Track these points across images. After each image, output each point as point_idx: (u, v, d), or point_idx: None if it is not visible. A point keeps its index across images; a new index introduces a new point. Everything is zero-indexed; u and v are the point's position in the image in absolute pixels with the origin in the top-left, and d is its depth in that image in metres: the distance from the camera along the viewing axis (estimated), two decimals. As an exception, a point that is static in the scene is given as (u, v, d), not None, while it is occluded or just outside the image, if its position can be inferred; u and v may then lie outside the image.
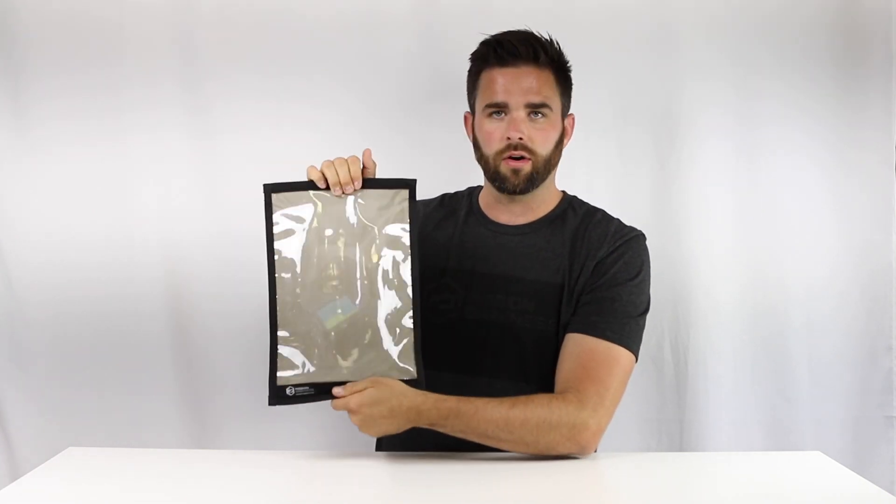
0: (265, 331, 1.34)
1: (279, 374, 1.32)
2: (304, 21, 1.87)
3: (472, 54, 1.50)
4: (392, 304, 1.33)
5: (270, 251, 1.33)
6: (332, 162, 1.33)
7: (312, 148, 1.79)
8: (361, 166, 1.34)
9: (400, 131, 1.89)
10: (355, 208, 1.34)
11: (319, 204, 1.34)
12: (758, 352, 1.92)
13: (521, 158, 1.44)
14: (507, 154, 1.44)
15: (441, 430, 1.29)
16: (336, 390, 1.29)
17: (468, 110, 1.55)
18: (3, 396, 1.96)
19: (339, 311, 1.33)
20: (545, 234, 1.50)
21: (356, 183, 1.32)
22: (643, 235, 1.49)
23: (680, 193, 1.90)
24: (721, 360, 1.91)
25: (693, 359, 1.91)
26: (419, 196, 1.36)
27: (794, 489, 1.22)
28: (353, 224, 1.33)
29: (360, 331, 1.32)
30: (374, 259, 1.33)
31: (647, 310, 1.45)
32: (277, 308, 1.33)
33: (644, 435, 1.93)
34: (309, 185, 1.33)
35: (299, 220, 1.33)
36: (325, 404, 1.31)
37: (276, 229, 1.33)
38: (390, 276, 1.33)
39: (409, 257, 1.34)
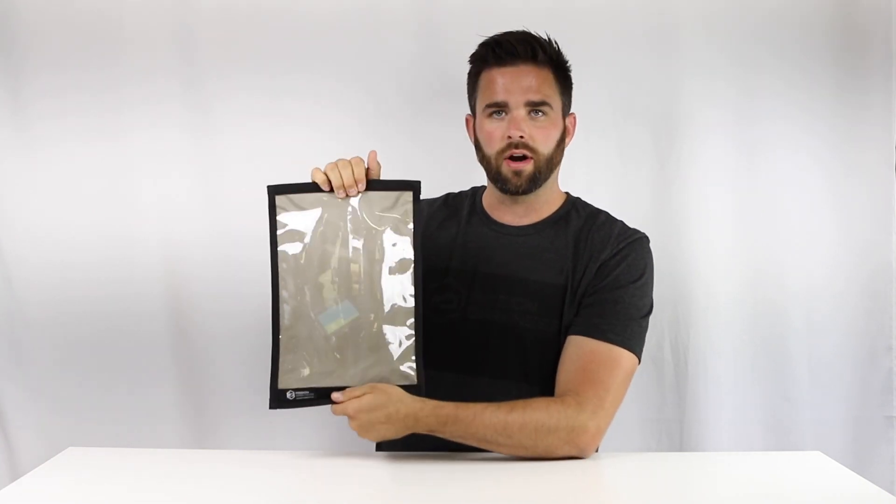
0: (265, 331, 1.34)
1: (280, 377, 1.32)
2: (305, 18, 1.87)
3: (471, 56, 1.50)
4: (394, 308, 1.32)
5: (274, 253, 1.33)
6: (336, 164, 1.33)
7: (313, 146, 1.82)
8: (366, 168, 1.34)
9: (403, 129, 1.89)
10: (359, 211, 1.33)
11: (323, 206, 1.33)
12: (758, 352, 1.92)
13: (522, 158, 1.44)
14: (508, 153, 1.44)
15: (439, 435, 1.29)
16: (335, 395, 1.29)
17: (469, 113, 1.55)
18: (3, 396, 1.96)
19: (341, 315, 1.32)
20: (548, 235, 1.49)
21: (360, 185, 1.32)
22: (647, 238, 1.48)
23: (680, 193, 1.90)
24: (721, 360, 1.91)
25: (693, 359, 1.91)
26: (423, 195, 1.36)
27: (794, 489, 1.22)
28: (357, 227, 1.33)
29: (360, 336, 1.32)
30: (377, 263, 1.33)
31: (649, 312, 1.45)
32: (280, 311, 1.33)
33: (644, 435, 1.93)
34: (313, 188, 1.33)
35: (303, 222, 1.33)
36: (326, 406, 1.31)
37: (279, 231, 1.33)
38: (393, 281, 1.33)
39: (413, 262, 1.33)
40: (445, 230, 1.55)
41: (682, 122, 1.89)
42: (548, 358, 1.42)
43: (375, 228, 1.33)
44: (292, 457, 1.36)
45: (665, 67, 1.88)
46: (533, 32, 1.47)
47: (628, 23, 1.87)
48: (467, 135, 1.56)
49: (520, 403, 1.29)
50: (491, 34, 1.48)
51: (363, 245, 1.33)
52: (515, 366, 1.44)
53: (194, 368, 1.94)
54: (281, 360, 1.32)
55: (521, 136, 1.42)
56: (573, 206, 1.53)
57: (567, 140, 1.51)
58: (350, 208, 1.33)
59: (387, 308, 1.32)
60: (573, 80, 1.52)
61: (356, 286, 1.32)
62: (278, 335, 1.33)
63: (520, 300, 1.45)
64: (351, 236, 1.33)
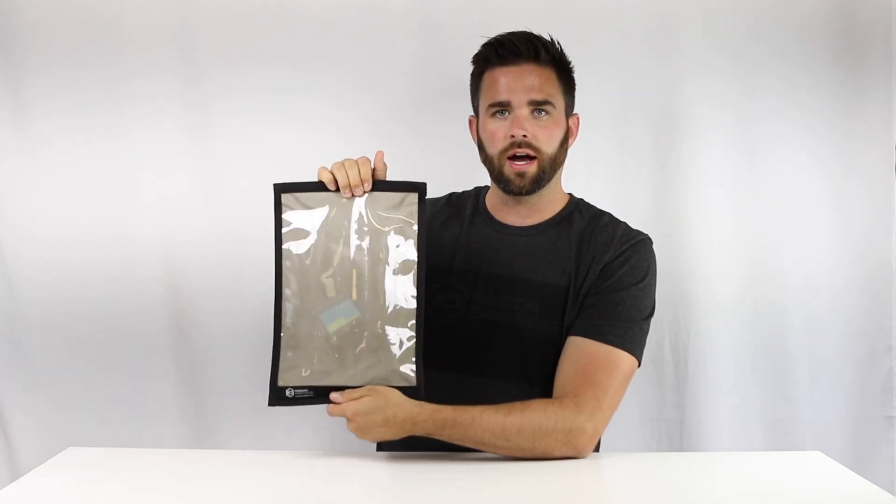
0: (266, 330, 1.34)
1: (280, 375, 1.32)
2: (305, 17, 1.88)
3: (474, 56, 1.50)
4: (396, 310, 1.32)
5: (278, 251, 1.33)
6: (343, 163, 1.32)
7: (313, 144, 1.82)
8: (372, 168, 1.34)
9: (404, 128, 1.89)
10: (364, 211, 1.33)
11: (329, 205, 1.33)
12: (758, 352, 1.92)
13: (525, 158, 1.44)
14: (511, 153, 1.43)
15: (437, 437, 1.29)
16: (333, 396, 1.29)
17: (472, 114, 1.55)
18: (3, 396, 1.96)
19: (342, 315, 1.32)
20: (551, 235, 1.49)
21: (366, 185, 1.32)
22: (650, 239, 1.48)
23: (680, 193, 1.90)
24: (721, 360, 1.91)
25: (693, 359, 1.91)
26: (428, 195, 1.36)
27: (794, 489, 1.22)
28: (362, 227, 1.33)
29: (361, 336, 1.32)
30: (381, 263, 1.32)
31: (651, 314, 1.45)
32: (282, 309, 1.33)
33: (644, 435, 1.93)
34: (319, 186, 1.32)
35: (308, 221, 1.33)
36: (326, 406, 1.31)
37: (284, 229, 1.33)
38: (396, 282, 1.32)
39: (416, 264, 1.33)
40: (448, 230, 1.55)
41: (682, 122, 1.89)
42: (549, 359, 1.41)
43: (380, 229, 1.33)
44: (292, 457, 1.36)
45: (665, 67, 1.88)
46: (536, 33, 1.47)
47: (628, 22, 1.87)
48: (470, 136, 1.56)
49: (518, 406, 1.30)
50: (492, 35, 1.48)
51: (367, 245, 1.33)
52: (517, 366, 1.44)
53: (195, 368, 1.94)
54: (281, 357, 1.32)
55: (524, 136, 1.42)
56: (576, 208, 1.53)
57: (570, 140, 1.51)
58: (355, 208, 1.33)
59: (389, 309, 1.32)
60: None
61: (359, 286, 1.32)
62: (279, 333, 1.33)
63: (522, 301, 1.45)
64: (355, 236, 1.33)
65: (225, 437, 1.94)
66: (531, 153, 1.43)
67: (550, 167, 1.46)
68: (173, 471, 1.31)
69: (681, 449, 1.92)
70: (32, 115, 1.90)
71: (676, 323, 1.91)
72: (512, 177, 1.44)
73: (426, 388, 1.31)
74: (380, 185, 1.34)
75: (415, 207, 1.33)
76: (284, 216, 1.33)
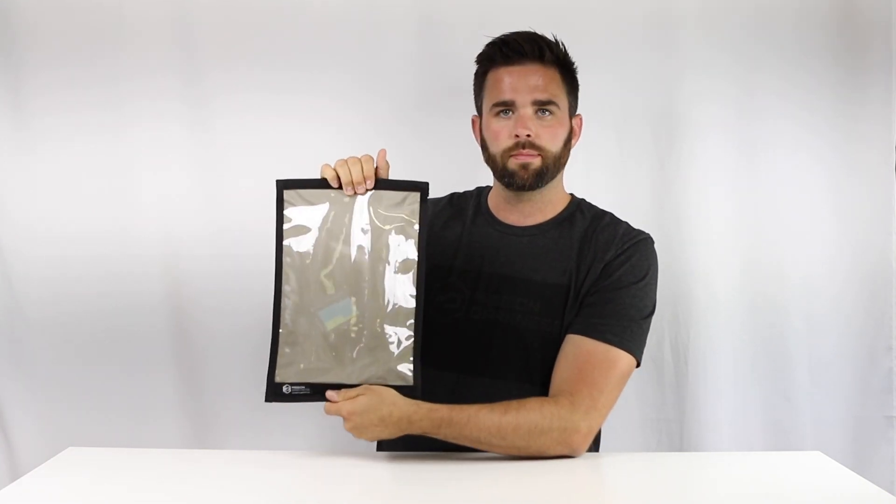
0: (265, 328, 1.34)
1: (278, 371, 1.32)
2: (305, 14, 1.88)
3: (478, 56, 1.50)
4: (395, 308, 1.32)
5: (279, 248, 1.33)
6: (346, 161, 1.33)
7: (313, 142, 1.83)
8: (375, 166, 1.34)
9: (408, 125, 1.89)
10: (366, 209, 1.33)
11: (330, 203, 1.33)
12: (758, 352, 1.92)
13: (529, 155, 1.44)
14: (515, 152, 1.44)
15: (433, 436, 1.29)
16: (329, 394, 1.29)
17: (475, 114, 1.55)
18: (3, 396, 1.96)
19: (341, 313, 1.32)
20: (553, 235, 1.49)
21: (368, 182, 1.32)
22: (651, 239, 1.48)
23: (680, 192, 1.90)
24: (721, 360, 1.91)
25: (693, 359, 1.91)
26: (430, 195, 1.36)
27: (794, 489, 1.22)
28: (363, 225, 1.33)
29: (359, 334, 1.32)
30: (381, 262, 1.32)
31: (651, 313, 1.44)
32: (281, 306, 1.33)
33: (644, 435, 1.93)
34: (321, 184, 1.33)
35: (310, 218, 1.33)
36: (324, 405, 1.31)
37: (285, 226, 1.33)
38: (395, 281, 1.32)
39: (416, 263, 1.33)
40: (450, 230, 1.55)
41: (682, 122, 1.89)
42: (550, 358, 1.41)
43: (381, 227, 1.33)
44: (292, 457, 1.36)
45: (665, 66, 1.88)
46: (539, 33, 1.47)
47: (628, 22, 1.87)
48: (473, 136, 1.56)
49: (514, 404, 1.30)
50: (496, 34, 1.48)
51: (368, 243, 1.33)
52: (517, 366, 1.44)
53: (195, 365, 1.94)
54: (279, 353, 1.32)
55: (529, 135, 1.42)
56: (578, 208, 1.53)
57: (573, 141, 1.51)
58: (357, 206, 1.33)
59: (388, 308, 1.32)
60: (575, 80, 1.52)
61: (359, 284, 1.32)
62: (278, 329, 1.33)
63: (523, 300, 1.45)
64: (356, 234, 1.33)
65: (225, 434, 1.94)
66: (535, 152, 1.43)
67: (554, 165, 1.46)
68: (173, 471, 1.31)
69: (681, 449, 1.91)
70: (32, 112, 1.90)
71: (676, 323, 1.91)
72: (516, 169, 1.44)
73: (423, 388, 1.31)
74: (382, 183, 1.34)
75: (416, 207, 1.33)
76: (286, 213, 1.33)
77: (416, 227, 1.33)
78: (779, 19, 1.86)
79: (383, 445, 1.50)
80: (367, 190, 1.32)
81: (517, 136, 1.43)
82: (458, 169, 1.76)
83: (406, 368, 1.31)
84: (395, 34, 1.89)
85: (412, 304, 1.32)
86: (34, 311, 1.93)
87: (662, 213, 1.90)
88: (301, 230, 1.33)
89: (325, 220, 1.33)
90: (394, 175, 1.36)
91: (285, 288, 1.33)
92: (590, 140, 1.82)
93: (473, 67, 1.51)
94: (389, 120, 1.89)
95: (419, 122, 1.90)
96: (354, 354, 1.32)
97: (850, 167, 1.89)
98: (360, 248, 1.33)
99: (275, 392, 1.32)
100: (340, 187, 1.32)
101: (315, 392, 1.31)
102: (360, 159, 1.33)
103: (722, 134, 1.89)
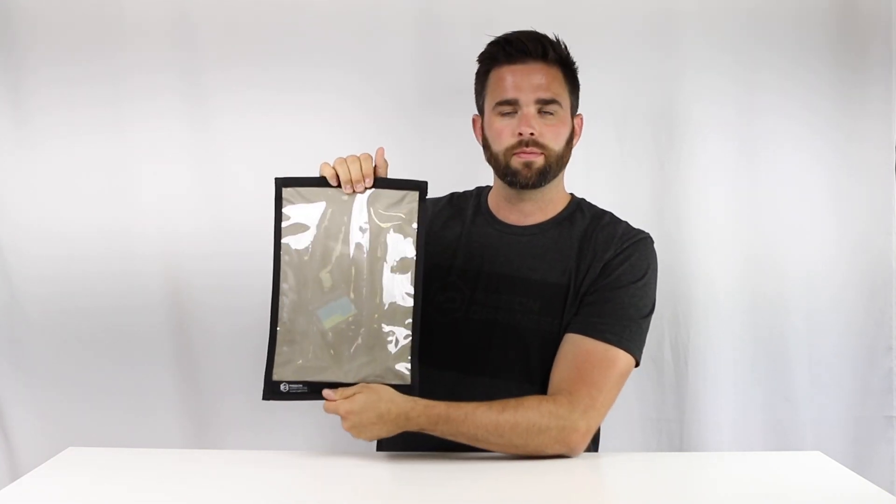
0: (265, 327, 1.34)
1: (275, 369, 1.32)
2: (306, 11, 1.88)
3: (480, 55, 1.49)
4: (392, 307, 1.32)
5: (277, 246, 1.33)
6: (345, 159, 1.33)
7: (313, 139, 1.82)
8: (374, 164, 1.34)
9: (408, 123, 1.89)
10: (365, 207, 1.33)
11: (329, 201, 1.33)
12: (758, 352, 1.92)
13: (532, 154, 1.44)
14: (517, 151, 1.44)
15: (431, 433, 1.29)
16: (326, 393, 1.29)
17: (476, 113, 1.55)
18: (3, 396, 1.96)
19: (339, 311, 1.32)
20: (553, 235, 1.49)
21: (367, 181, 1.32)
22: (650, 238, 1.48)
23: (680, 191, 1.90)
24: (721, 360, 1.91)
25: (693, 359, 1.91)
26: (429, 194, 1.36)
27: (794, 489, 1.22)
28: (361, 223, 1.33)
29: (357, 332, 1.32)
30: (379, 261, 1.32)
31: (651, 312, 1.44)
32: (279, 304, 1.33)
33: (644, 435, 1.93)
34: (320, 182, 1.33)
35: (308, 216, 1.33)
36: (322, 404, 1.31)
37: (284, 224, 1.33)
38: (393, 280, 1.32)
39: (414, 262, 1.33)
40: (450, 229, 1.55)
41: (682, 121, 1.89)
42: (550, 358, 1.41)
43: (380, 226, 1.33)
44: (292, 457, 1.36)
45: (666, 65, 1.88)
46: (541, 32, 1.47)
47: (629, 21, 1.87)
48: (474, 135, 1.56)
49: (512, 403, 1.30)
50: (498, 33, 1.48)
51: (366, 242, 1.33)
52: (517, 365, 1.44)
53: (194, 363, 1.94)
54: (277, 351, 1.32)
55: (532, 134, 1.42)
56: (578, 207, 1.53)
57: (574, 140, 1.51)
58: (356, 205, 1.33)
59: (386, 306, 1.32)
60: (575, 79, 1.52)
61: (356, 283, 1.32)
62: (276, 327, 1.33)
63: (522, 300, 1.45)
64: (354, 233, 1.33)
65: (225, 433, 1.94)
66: (538, 150, 1.43)
67: (557, 164, 1.46)
68: (173, 471, 1.31)
69: (681, 449, 1.92)
70: (32, 109, 1.90)
71: (676, 322, 1.91)
72: (519, 167, 1.44)
73: (420, 387, 1.31)
74: (381, 182, 1.34)
75: (415, 206, 1.33)
76: (284, 210, 1.33)
77: (415, 225, 1.33)
78: (779, 18, 1.86)
79: (383, 445, 1.50)
80: (365, 188, 1.33)
81: (520, 134, 1.43)
82: (459, 168, 1.77)
83: (404, 367, 1.31)
84: (396, 33, 1.89)
85: (410, 302, 1.32)
86: (34, 310, 1.94)
87: (662, 213, 1.90)
88: (299, 228, 1.33)
89: (323, 218, 1.33)
90: (393, 174, 1.36)
91: (283, 286, 1.33)
92: (590, 139, 1.82)
93: (474, 66, 1.51)
94: (390, 118, 1.89)
95: (419, 121, 1.90)
96: (352, 353, 1.32)
97: (851, 166, 1.89)
98: (358, 246, 1.33)
99: (272, 390, 1.32)
100: (339, 185, 1.32)
101: (313, 390, 1.31)
102: (359, 158, 1.33)
103: (722, 133, 1.89)
